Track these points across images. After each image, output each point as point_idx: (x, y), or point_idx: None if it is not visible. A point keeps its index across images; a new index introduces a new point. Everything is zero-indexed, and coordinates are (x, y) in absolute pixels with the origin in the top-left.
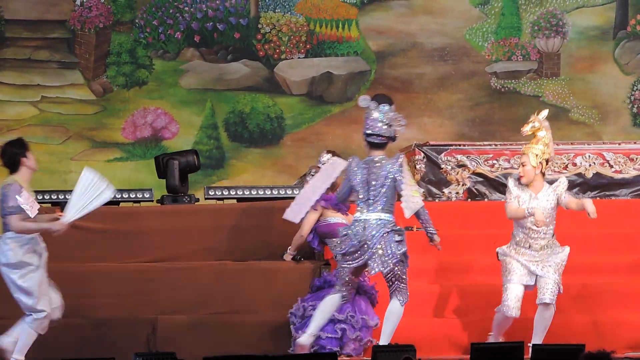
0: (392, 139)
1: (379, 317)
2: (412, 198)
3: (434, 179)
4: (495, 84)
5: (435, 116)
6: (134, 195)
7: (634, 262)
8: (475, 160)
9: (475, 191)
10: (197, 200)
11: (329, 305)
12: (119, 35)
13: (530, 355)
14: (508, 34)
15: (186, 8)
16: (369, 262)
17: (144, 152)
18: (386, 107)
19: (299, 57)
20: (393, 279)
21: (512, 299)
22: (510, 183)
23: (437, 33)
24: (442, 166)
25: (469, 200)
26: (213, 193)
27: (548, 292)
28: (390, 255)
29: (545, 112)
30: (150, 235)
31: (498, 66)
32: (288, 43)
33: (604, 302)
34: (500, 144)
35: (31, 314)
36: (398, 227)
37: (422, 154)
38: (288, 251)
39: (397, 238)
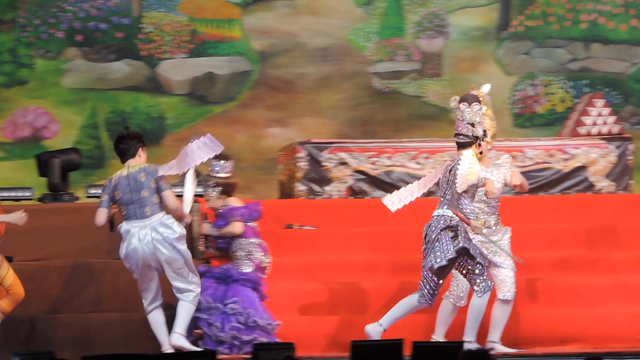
0: (477, 137)
1: (272, 317)
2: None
3: (315, 177)
4: (378, 85)
5: (317, 116)
6: (14, 194)
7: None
8: (357, 157)
9: (356, 189)
10: (77, 198)
11: (405, 304)
12: (0, 34)
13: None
14: (391, 34)
15: (69, 7)
16: (429, 256)
17: (23, 151)
18: (473, 107)
19: (182, 57)
20: (463, 273)
21: (463, 289)
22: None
23: (320, 33)
24: (324, 164)
25: (351, 197)
26: (94, 192)
27: (510, 286)
28: (445, 251)
29: (487, 86)
30: (28, 234)
31: (381, 66)
32: (171, 43)
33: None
34: (383, 142)
35: (192, 292)
36: (455, 223)
37: (304, 152)
38: (211, 228)
39: (451, 235)
